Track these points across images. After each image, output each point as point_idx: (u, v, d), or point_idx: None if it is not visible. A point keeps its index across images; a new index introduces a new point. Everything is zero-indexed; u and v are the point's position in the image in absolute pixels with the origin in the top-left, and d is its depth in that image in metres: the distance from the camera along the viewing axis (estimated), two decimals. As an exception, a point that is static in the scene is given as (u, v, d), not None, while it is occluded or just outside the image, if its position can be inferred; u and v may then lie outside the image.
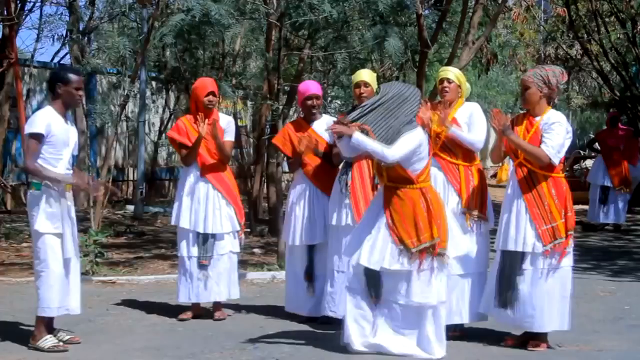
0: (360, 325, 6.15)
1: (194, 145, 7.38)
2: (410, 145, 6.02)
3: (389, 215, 6.14)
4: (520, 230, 6.38)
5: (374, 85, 7.21)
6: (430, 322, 6.08)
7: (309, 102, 7.22)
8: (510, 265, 6.42)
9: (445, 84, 6.97)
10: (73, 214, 6.56)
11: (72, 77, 6.50)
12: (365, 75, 7.27)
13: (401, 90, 6.19)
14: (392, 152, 5.99)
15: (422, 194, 6.15)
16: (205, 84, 7.59)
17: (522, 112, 6.70)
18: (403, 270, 6.07)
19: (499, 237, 6.54)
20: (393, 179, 6.17)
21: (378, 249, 6.10)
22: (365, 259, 6.11)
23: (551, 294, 6.36)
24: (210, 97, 7.46)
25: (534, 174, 6.42)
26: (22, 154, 6.70)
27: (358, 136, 6.02)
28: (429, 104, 6.95)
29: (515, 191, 6.48)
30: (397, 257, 6.07)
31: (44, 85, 17.10)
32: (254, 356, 6.20)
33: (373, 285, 6.12)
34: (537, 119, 6.49)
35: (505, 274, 6.44)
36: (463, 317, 6.83)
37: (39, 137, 6.30)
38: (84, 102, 14.39)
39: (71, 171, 6.59)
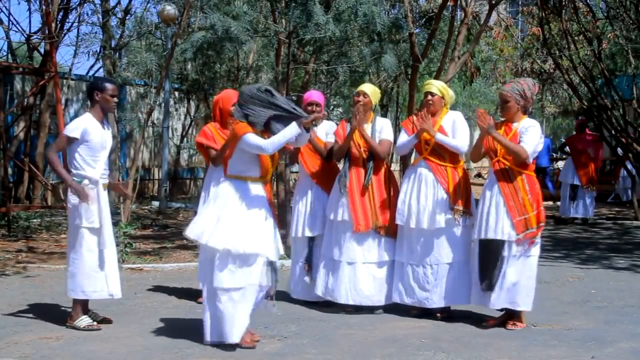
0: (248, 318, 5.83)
1: (222, 148, 7.38)
2: None
3: (272, 206, 5.98)
4: (499, 221, 6.40)
5: (373, 98, 7.16)
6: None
7: (310, 108, 7.23)
8: (491, 252, 6.42)
9: (429, 97, 6.97)
10: (108, 208, 6.56)
11: (108, 85, 6.51)
12: (366, 87, 7.25)
13: None
14: None
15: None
16: (229, 95, 7.56)
17: (501, 120, 6.70)
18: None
19: (479, 227, 6.53)
20: (267, 175, 5.98)
21: (278, 240, 5.95)
22: (275, 251, 5.88)
23: (521, 278, 6.39)
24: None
25: (510, 170, 6.45)
26: (61, 155, 6.68)
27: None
28: (422, 113, 6.94)
29: (494, 186, 6.50)
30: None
31: (81, 95, 17.13)
32: (265, 334, 6.18)
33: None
34: (515, 125, 6.52)
35: (485, 261, 6.45)
36: (452, 301, 6.84)
37: (70, 140, 6.34)
38: (115, 109, 14.38)
39: (108, 172, 6.60)
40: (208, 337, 5.81)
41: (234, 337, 5.72)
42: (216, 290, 5.72)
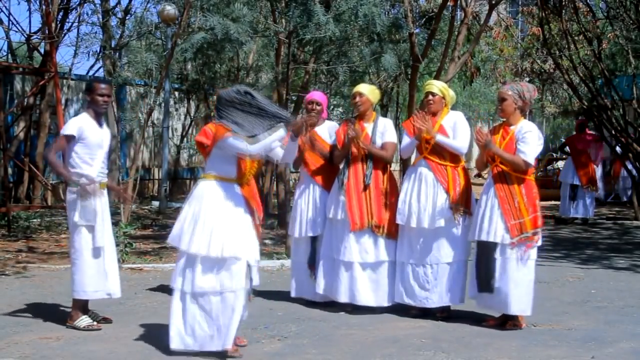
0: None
1: None
2: None
3: (251, 209, 5.75)
4: (492, 223, 6.40)
5: (371, 97, 7.18)
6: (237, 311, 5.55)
7: (309, 106, 7.28)
8: (486, 254, 6.42)
9: (430, 97, 6.97)
10: (107, 208, 6.57)
11: (96, 85, 6.51)
12: (362, 87, 7.26)
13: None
14: None
15: None
16: None
17: (500, 122, 6.71)
18: None
19: (474, 228, 6.55)
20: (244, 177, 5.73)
21: (256, 243, 5.68)
22: (254, 253, 5.62)
23: (517, 282, 6.36)
24: None
25: (508, 175, 6.45)
26: (61, 156, 6.67)
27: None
28: (421, 114, 6.93)
29: (491, 189, 6.50)
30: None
31: (81, 95, 17.13)
32: (265, 334, 6.19)
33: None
34: (512, 127, 6.52)
35: (481, 263, 6.45)
36: (449, 300, 6.84)
37: (68, 138, 6.34)
38: (115, 109, 14.39)
39: (106, 170, 6.61)
40: (175, 343, 5.56)
41: (210, 345, 5.50)
42: (194, 294, 5.52)
